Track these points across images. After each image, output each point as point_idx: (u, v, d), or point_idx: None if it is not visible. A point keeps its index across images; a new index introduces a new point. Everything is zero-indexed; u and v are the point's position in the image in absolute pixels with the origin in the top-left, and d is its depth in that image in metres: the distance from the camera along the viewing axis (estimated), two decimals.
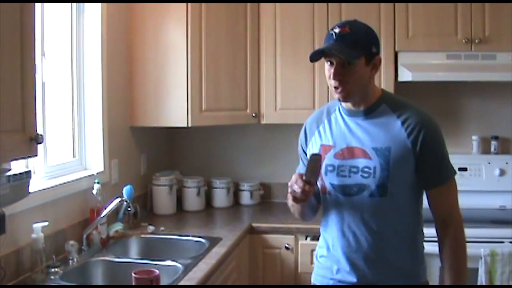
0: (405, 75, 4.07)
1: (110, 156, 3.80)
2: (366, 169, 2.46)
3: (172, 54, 4.03)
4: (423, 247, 2.60)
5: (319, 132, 2.64)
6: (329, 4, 4.15)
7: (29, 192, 2.28)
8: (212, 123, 4.20)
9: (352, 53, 2.38)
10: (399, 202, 2.48)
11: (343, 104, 2.56)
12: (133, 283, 2.45)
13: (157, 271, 2.50)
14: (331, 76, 2.42)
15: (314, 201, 2.65)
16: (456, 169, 4.13)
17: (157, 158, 4.58)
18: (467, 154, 4.46)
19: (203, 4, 4.02)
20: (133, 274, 2.46)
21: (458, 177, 4.13)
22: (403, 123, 2.45)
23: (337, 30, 2.40)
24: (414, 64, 4.07)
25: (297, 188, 2.35)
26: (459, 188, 4.26)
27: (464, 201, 4.15)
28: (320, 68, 4.12)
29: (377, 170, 2.44)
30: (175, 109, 4.05)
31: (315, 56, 2.45)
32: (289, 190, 2.39)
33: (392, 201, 2.45)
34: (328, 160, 2.54)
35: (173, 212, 4.29)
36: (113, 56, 3.82)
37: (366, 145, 2.48)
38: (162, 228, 3.78)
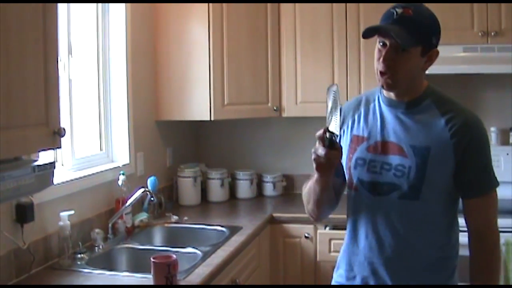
0: None
1: (136, 149, 3.96)
2: (400, 168, 2.24)
3: (195, 51, 4.17)
4: (456, 263, 2.36)
5: (353, 121, 2.41)
6: (347, 4, 4.25)
7: (53, 182, 2.42)
8: (234, 116, 4.33)
9: (410, 39, 2.13)
10: (432, 207, 2.26)
11: (384, 92, 2.33)
12: (152, 268, 2.60)
13: (174, 256, 2.64)
14: (381, 59, 2.18)
15: (339, 181, 2.43)
16: None
17: (182, 151, 4.73)
18: None
19: (224, 3, 4.15)
20: (151, 259, 2.61)
21: None
22: (447, 122, 2.23)
23: (399, 10, 2.16)
24: None
25: (321, 151, 2.13)
26: None
27: None
28: (340, 63, 4.28)
29: (412, 170, 2.22)
30: (198, 103, 4.20)
31: (369, 33, 2.20)
32: (313, 156, 2.16)
33: (424, 205, 2.24)
34: (359, 152, 2.34)
35: (197, 203, 4.44)
36: (138, 54, 3.98)
37: (403, 141, 2.26)
38: (185, 218, 3.93)
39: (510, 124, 4.52)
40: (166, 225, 3.79)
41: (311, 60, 4.32)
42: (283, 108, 4.42)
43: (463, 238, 2.36)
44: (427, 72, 3.99)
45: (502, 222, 3.73)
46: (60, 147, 2.41)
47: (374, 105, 2.38)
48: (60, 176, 3.15)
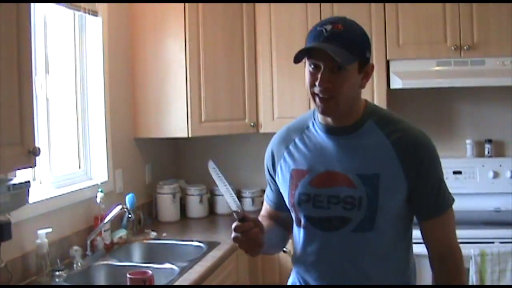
0: (396, 83, 4.21)
1: (115, 166, 3.98)
2: (349, 200, 2.07)
3: (172, 68, 4.22)
4: (415, 279, 2.28)
5: (289, 153, 2.21)
6: (322, 15, 4.29)
7: (28, 201, 2.45)
8: (212, 133, 4.37)
9: (347, 56, 1.97)
10: (388, 236, 2.11)
11: (320, 119, 2.16)
12: (128, 283, 2.62)
13: (150, 272, 2.68)
14: (317, 83, 2.00)
15: (284, 214, 2.28)
16: (451, 172, 4.43)
17: (162, 168, 4.75)
18: (461, 158, 4.57)
19: (200, 20, 4.20)
20: (127, 275, 2.64)
21: (453, 180, 4.43)
22: (393, 144, 2.08)
23: (328, 27, 1.99)
24: (405, 72, 4.22)
25: (233, 227, 2.03)
26: (454, 190, 4.33)
27: (459, 204, 4.29)
28: None
29: (363, 201, 2.06)
30: (176, 120, 4.24)
31: (301, 56, 2.02)
32: (232, 235, 2.05)
33: (380, 235, 2.09)
34: (301, 188, 2.15)
35: (177, 219, 4.46)
36: (115, 71, 4.02)
37: (349, 171, 2.09)
38: (164, 234, 3.95)
39: (485, 136, 4.59)
40: (144, 241, 3.81)
41: (287, 76, 4.37)
42: (260, 124, 4.46)
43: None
44: (401, 86, 4.17)
45: (476, 233, 3.87)
46: (35, 166, 2.45)
47: (310, 134, 2.20)
48: (38, 194, 3.18)
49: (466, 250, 3.73)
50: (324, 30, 1.99)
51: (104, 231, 3.54)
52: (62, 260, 3.18)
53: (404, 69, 4.23)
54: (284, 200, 2.24)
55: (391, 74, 4.24)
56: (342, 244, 2.11)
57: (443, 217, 2.14)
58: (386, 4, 4.20)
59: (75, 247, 3.26)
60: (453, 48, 4.15)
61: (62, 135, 3.63)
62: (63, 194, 3.39)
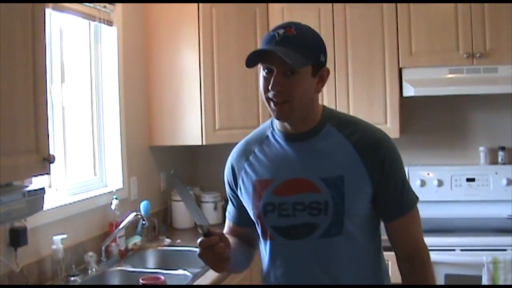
0: (409, 91, 4.24)
1: (129, 174, 4.04)
2: (314, 205, 2.02)
3: (186, 76, 4.27)
4: (389, 280, 2.23)
5: (250, 165, 2.15)
6: (334, 28, 4.33)
7: (43, 207, 2.50)
8: (225, 140, 4.38)
9: (299, 58, 1.95)
10: (357, 239, 2.06)
11: (278, 126, 2.13)
12: None
13: (162, 278, 2.72)
14: (270, 87, 1.97)
15: (249, 230, 2.21)
16: (465, 179, 4.44)
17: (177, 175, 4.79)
18: (475, 165, 4.58)
19: (214, 29, 4.25)
20: (140, 280, 2.69)
21: (466, 188, 4.45)
22: (354, 144, 2.05)
23: (281, 31, 1.99)
24: (417, 80, 4.24)
25: (198, 242, 1.99)
26: (468, 198, 4.42)
27: (473, 211, 4.37)
28: (328, 85, 4.34)
29: (329, 205, 2.01)
30: (190, 128, 4.29)
31: (253, 60, 2.01)
32: (198, 251, 2.02)
33: (349, 239, 2.04)
34: (266, 198, 2.09)
35: (191, 226, 4.49)
36: (131, 80, 4.08)
37: (312, 176, 2.04)
38: (178, 241, 4.00)
39: (498, 144, 4.59)
40: (158, 248, 3.86)
41: None
42: None
43: None
44: (413, 94, 4.19)
45: (489, 240, 3.88)
46: (50, 174, 2.50)
47: (269, 143, 2.15)
48: (54, 200, 3.24)
49: (479, 257, 3.77)
50: (276, 34, 1.99)
51: (119, 237, 3.59)
52: (77, 266, 3.23)
53: (416, 77, 4.26)
54: (246, 215, 2.17)
55: (404, 82, 4.27)
56: (311, 251, 2.05)
57: (408, 216, 2.10)
58: (398, 12, 4.23)
59: (90, 253, 3.32)
60: (465, 56, 4.17)
61: (78, 143, 3.69)
62: (79, 200, 3.45)
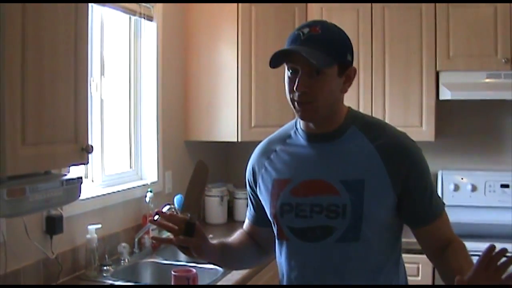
0: (445, 94, 4.22)
1: (165, 168, 4.09)
2: (333, 208, 1.96)
3: (224, 73, 4.32)
4: None
5: (270, 164, 2.12)
6: (373, 29, 4.33)
7: (80, 196, 2.55)
8: (261, 138, 4.30)
9: (324, 58, 1.90)
10: (375, 247, 1.99)
11: (301, 125, 2.07)
12: (172, 280, 2.71)
13: (194, 270, 2.76)
14: (295, 88, 1.94)
15: (266, 230, 2.15)
16: (499, 186, 4.41)
17: (211, 171, 4.78)
18: (509, 171, 4.53)
19: (253, 27, 4.29)
20: (172, 272, 2.73)
21: (500, 194, 4.43)
22: (378, 149, 1.97)
23: (306, 30, 1.94)
24: (454, 83, 4.22)
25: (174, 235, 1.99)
26: (502, 204, 4.37)
27: (506, 217, 4.33)
28: (365, 86, 4.36)
29: (347, 208, 1.94)
30: (226, 125, 4.34)
31: (278, 60, 1.99)
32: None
33: (366, 246, 1.97)
34: (283, 198, 2.04)
35: (224, 221, 4.55)
36: (168, 75, 4.13)
37: (332, 178, 1.98)
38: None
39: None
40: None
41: None
42: None
43: None
44: (450, 97, 4.17)
45: None
46: (87, 163, 2.56)
47: (291, 142, 2.11)
48: (89, 191, 3.30)
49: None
50: (301, 34, 1.94)
51: (152, 230, 3.64)
52: (110, 256, 3.29)
53: (453, 80, 4.23)
54: (264, 215, 2.14)
55: (440, 85, 4.25)
56: (326, 255, 1.99)
57: (437, 222, 2.03)
58: (437, 16, 4.22)
59: (123, 244, 3.38)
60: (503, 60, 4.14)
61: (115, 136, 3.76)
62: (114, 192, 3.51)
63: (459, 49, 4.23)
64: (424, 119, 4.26)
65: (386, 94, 4.31)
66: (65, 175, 2.52)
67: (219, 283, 3.02)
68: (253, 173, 2.19)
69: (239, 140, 4.32)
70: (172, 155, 4.22)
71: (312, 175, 2.02)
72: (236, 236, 2.31)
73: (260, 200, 2.17)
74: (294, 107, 1.99)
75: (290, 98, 1.99)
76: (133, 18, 3.81)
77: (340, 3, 4.37)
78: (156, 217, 2.09)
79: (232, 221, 4.63)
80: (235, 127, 4.31)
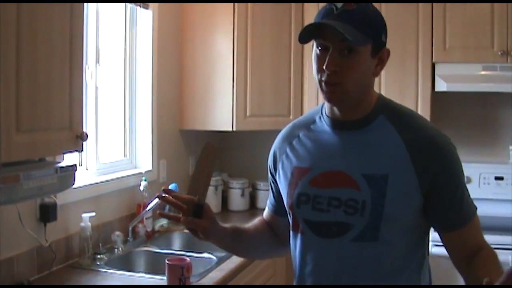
0: (441, 86, 4.22)
1: (159, 157, 4.08)
2: (351, 203, 1.82)
3: (219, 62, 4.30)
4: None
5: (292, 149, 2.00)
6: None
7: (74, 184, 2.54)
8: (256, 128, 4.43)
9: (359, 35, 1.74)
10: (394, 249, 1.84)
11: (327, 112, 1.93)
12: (166, 269, 2.71)
13: (188, 259, 2.74)
14: (325, 66, 1.76)
15: (285, 220, 2.04)
16: (493, 178, 4.42)
17: None
18: (504, 164, 4.54)
19: (249, 16, 4.27)
20: (166, 261, 2.72)
21: (495, 186, 4.44)
22: (407, 142, 1.82)
23: (339, 5, 1.77)
24: (450, 75, 4.22)
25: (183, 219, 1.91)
26: (496, 196, 4.38)
27: (500, 210, 4.33)
28: None
29: (366, 205, 1.80)
30: (221, 114, 4.32)
31: (308, 34, 1.80)
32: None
33: (385, 248, 1.83)
34: (301, 187, 1.92)
35: (218, 211, 4.54)
36: (164, 63, 4.11)
37: (353, 170, 1.84)
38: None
39: None
40: (185, 230, 3.88)
41: None
42: None
43: None
44: (446, 89, 4.17)
45: None
46: (82, 151, 2.55)
47: (315, 128, 1.97)
48: (84, 179, 3.29)
49: (505, 256, 3.75)
50: (334, 8, 1.77)
51: (146, 218, 3.64)
52: (104, 244, 3.28)
53: (449, 72, 4.23)
54: (284, 204, 2.03)
55: (436, 77, 4.25)
56: (341, 254, 1.85)
57: (466, 227, 1.86)
58: (434, 7, 4.21)
59: (117, 233, 3.37)
60: (499, 53, 4.13)
61: (110, 124, 3.74)
62: (108, 180, 3.50)
63: (455, 41, 4.22)
64: (419, 110, 4.23)
65: (382, 85, 4.29)
66: (60, 162, 2.51)
67: (213, 272, 3.02)
68: (274, 158, 2.07)
69: (234, 129, 4.31)
70: (166, 144, 4.21)
71: (333, 166, 1.88)
72: (254, 222, 2.22)
73: (279, 188, 2.06)
74: (322, 88, 1.82)
75: (318, 79, 1.82)
76: (128, 6, 3.79)
77: None
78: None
79: (226, 211, 4.63)
80: (230, 116, 4.30)
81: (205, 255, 3.30)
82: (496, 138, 4.62)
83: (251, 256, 2.49)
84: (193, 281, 2.81)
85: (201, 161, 2.02)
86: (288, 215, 2.00)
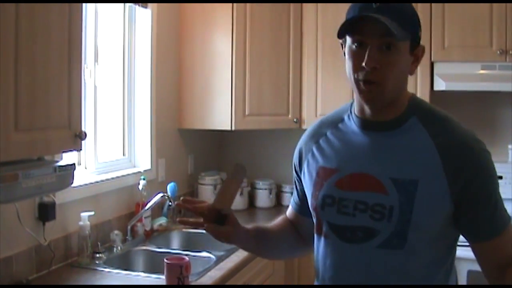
0: (440, 85, 4.22)
1: (158, 155, 4.08)
2: (378, 208, 1.74)
3: (218, 61, 4.30)
4: None
5: (318, 148, 1.93)
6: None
7: (73, 183, 2.54)
8: (255, 127, 4.43)
9: (401, 31, 1.66)
10: (422, 257, 1.76)
11: (356, 111, 1.85)
12: (165, 268, 2.71)
13: (187, 258, 2.75)
14: (365, 63, 1.68)
15: (309, 221, 1.97)
16: None
17: (204, 159, 4.84)
18: (503, 163, 4.53)
19: (248, 15, 4.27)
20: (165, 260, 2.72)
21: None
22: (439, 146, 1.73)
23: None
24: (449, 74, 4.22)
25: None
26: None
27: None
28: None
29: (394, 211, 1.72)
30: (220, 113, 4.32)
31: (349, 27, 1.73)
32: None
33: (412, 257, 1.75)
34: (326, 189, 1.85)
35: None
36: (163, 63, 4.11)
37: (382, 174, 1.76)
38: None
39: None
40: (184, 229, 3.90)
41: (332, 74, 4.40)
42: (303, 120, 4.51)
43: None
44: (444, 88, 4.17)
45: None
46: (81, 150, 2.55)
47: (343, 127, 1.91)
48: (82, 178, 3.29)
49: None
50: (373, 3, 1.70)
51: (145, 217, 3.64)
52: (103, 243, 3.27)
53: (448, 71, 4.23)
54: (308, 203, 1.98)
55: (435, 76, 4.25)
56: (365, 261, 1.79)
57: (501, 237, 1.77)
58: (432, 7, 4.21)
59: (116, 232, 3.37)
60: (498, 52, 4.13)
61: (108, 123, 3.74)
62: (107, 179, 3.50)
63: (454, 40, 4.22)
64: None
65: None
66: (58, 161, 2.51)
67: (212, 271, 3.02)
68: (299, 156, 2.01)
69: (233, 128, 4.31)
70: (165, 143, 4.21)
71: (361, 168, 1.81)
72: (277, 221, 2.17)
73: (304, 187, 2.01)
74: (359, 87, 1.74)
75: (355, 78, 1.74)
76: (127, 5, 3.79)
77: None
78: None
79: None
80: (229, 115, 4.30)
81: (204, 254, 3.30)
82: (495, 137, 4.61)
83: (275, 257, 2.45)
84: (192, 280, 2.81)
85: (230, 177, 1.99)
86: (312, 216, 1.95)
